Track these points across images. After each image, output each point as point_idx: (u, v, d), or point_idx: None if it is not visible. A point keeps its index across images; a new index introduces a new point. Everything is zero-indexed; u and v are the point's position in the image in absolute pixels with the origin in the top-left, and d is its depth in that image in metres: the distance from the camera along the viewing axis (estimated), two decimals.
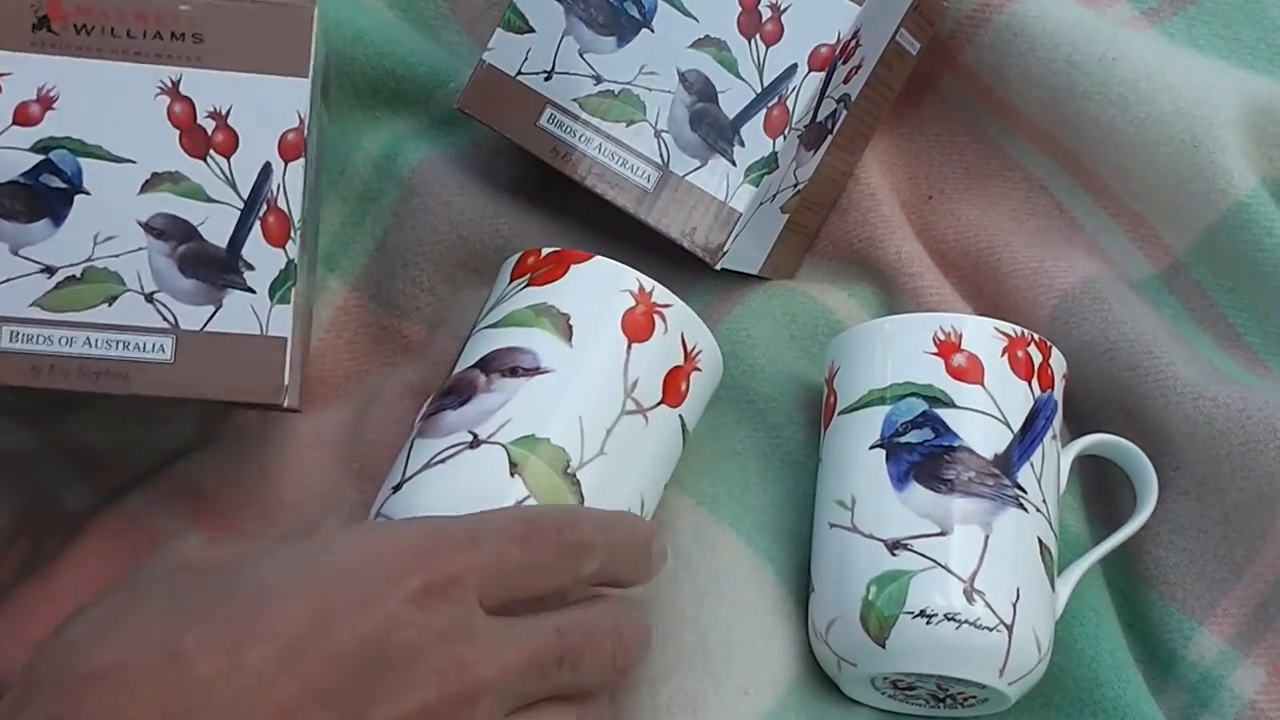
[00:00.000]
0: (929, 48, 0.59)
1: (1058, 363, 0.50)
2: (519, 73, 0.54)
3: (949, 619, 0.45)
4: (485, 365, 0.46)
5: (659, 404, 0.47)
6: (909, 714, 0.50)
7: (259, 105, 0.45)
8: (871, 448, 0.48)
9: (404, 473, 0.45)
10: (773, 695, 0.48)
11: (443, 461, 0.45)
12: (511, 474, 0.44)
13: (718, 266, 0.53)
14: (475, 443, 0.44)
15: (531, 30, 0.54)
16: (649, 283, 0.48)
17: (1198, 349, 0.56)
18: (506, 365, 0.46)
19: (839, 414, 0.50)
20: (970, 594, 0.45)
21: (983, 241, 0.59)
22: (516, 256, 0.50)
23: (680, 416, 0.48)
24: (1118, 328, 0.55)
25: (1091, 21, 0.57)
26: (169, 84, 0.45)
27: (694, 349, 0.48)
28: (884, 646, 0.46)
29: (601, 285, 0.48)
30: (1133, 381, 0.54)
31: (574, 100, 0.53)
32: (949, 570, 0.46)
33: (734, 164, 0.52)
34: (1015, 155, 0.60)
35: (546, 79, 0.54)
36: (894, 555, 0.46)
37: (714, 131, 0.52)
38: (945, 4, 0.58)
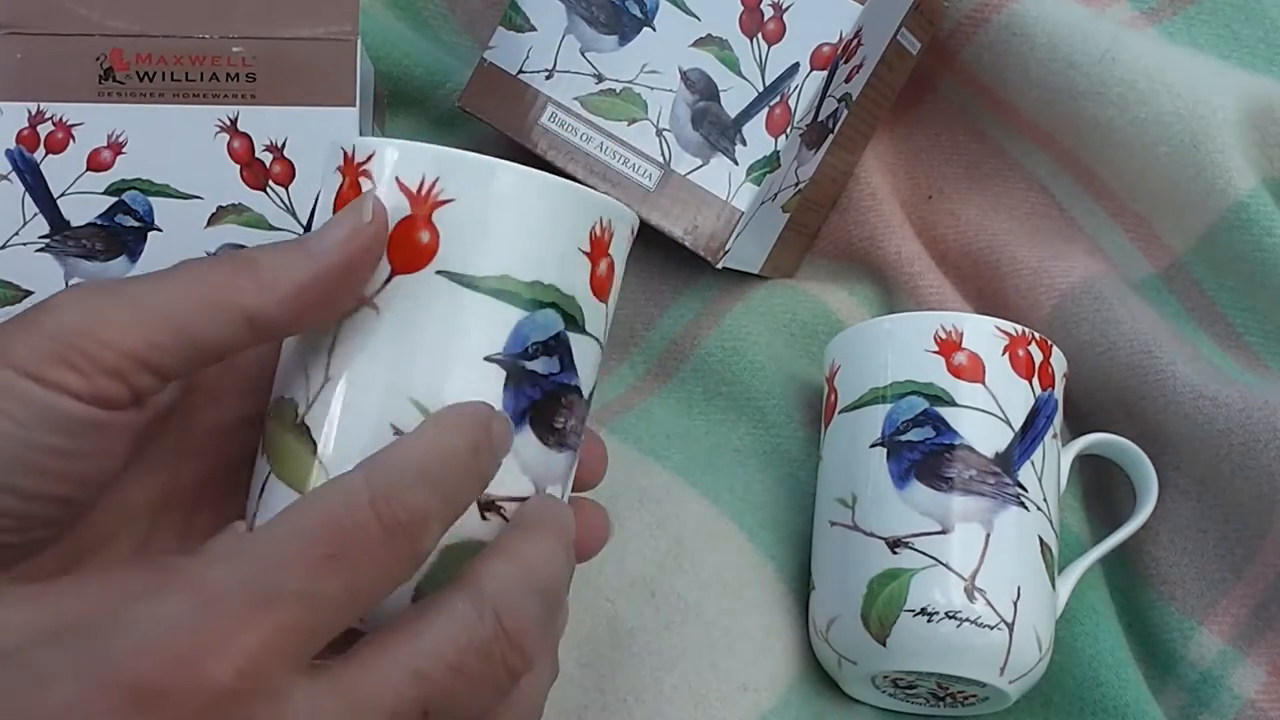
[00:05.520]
0: (929, 47, 0.59)
1: (1058, 361, 0.50)
2: (520, 71, 0.54)
3: (950, 617, 0.45)
4: None
5: (390, 278, 0.34)
6: (909, 713, 0.50)
7: (312, 135, 0.47)
8: (872, 446, 0.48)
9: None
10: (773, 693, 0.48)
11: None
12: (261, 456, 0.35)
13: (719, 265, 0.53)
14: None
15: (533, 29, 0.54)
16: (355, 144, 0.36)
17: (1198, 349, 0.56)
18: None
19: (840, 412, 0.50)
20: (971, 592, 0.45)
21: (983, 241, 0.59)
22: None
23: (443, 272, 0.34)
24: (1118, 328, 0.55)
25: (1091, 21, 0.57)
26: (227, 122, 0.47)
27: (425, 181, 0.35)
28: (885, 645, 0.46)
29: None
30: (1133, 381, 0.54)
31: (575, 99, 0.53)
32: (950, 568, 0.46)
33: (736, 163, 0.52)
34: (1015, 155, 0.60)
35: (548, 77, 0.54)
36: (895, 553, 0.46)
37: (716, 130, 0.52)
38: (945, 4, 0.58)
